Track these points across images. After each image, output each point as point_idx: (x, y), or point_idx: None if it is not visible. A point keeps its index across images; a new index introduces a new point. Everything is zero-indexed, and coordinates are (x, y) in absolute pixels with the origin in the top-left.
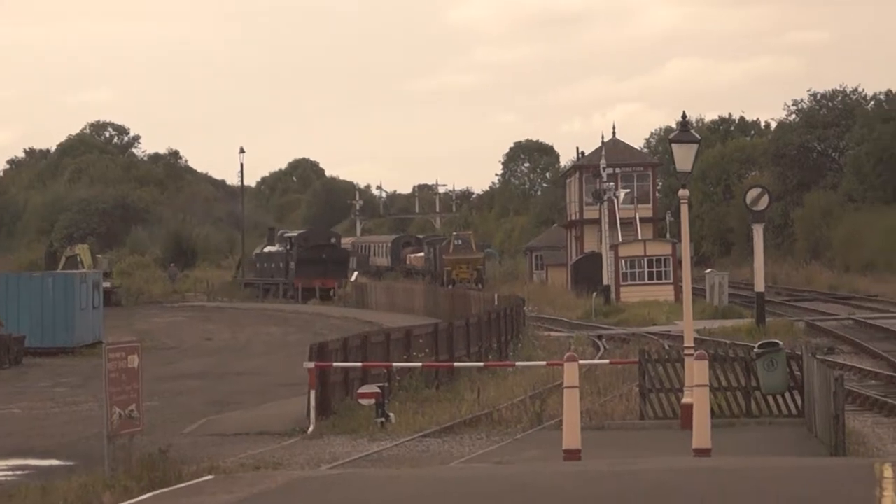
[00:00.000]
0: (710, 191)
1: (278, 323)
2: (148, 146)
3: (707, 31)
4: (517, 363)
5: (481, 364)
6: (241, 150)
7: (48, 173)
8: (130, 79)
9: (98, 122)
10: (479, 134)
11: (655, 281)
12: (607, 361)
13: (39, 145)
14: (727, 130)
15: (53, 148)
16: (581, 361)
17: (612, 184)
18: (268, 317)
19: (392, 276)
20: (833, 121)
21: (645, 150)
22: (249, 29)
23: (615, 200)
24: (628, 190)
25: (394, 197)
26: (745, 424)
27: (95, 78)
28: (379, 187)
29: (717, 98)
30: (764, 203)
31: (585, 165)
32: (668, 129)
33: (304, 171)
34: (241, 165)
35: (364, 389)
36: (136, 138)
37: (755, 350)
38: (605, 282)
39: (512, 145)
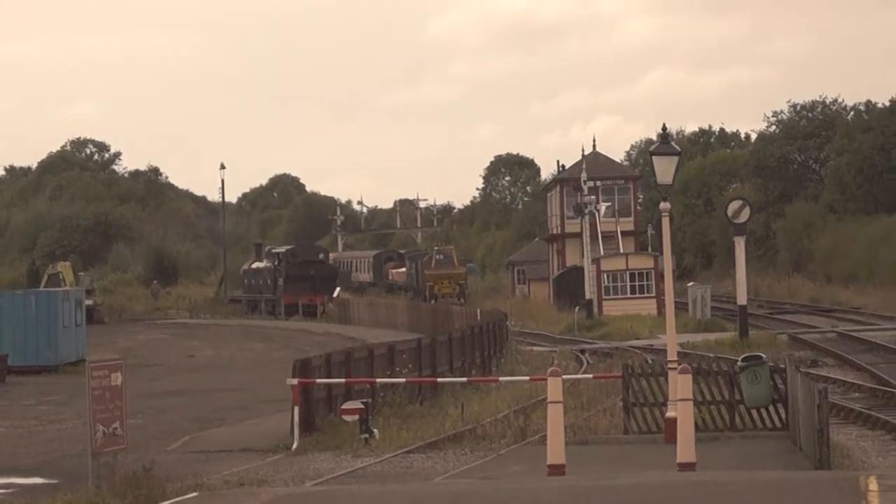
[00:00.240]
0: (692, 203)
1: (261, 339)
2: (129, 163)
3: (685, 43)
4: (501, 378)
5: (465, 379)
6: (222, 167)
7: (29, 191)
8: (111, 96)
9: (79, 138)
10: (459, 148)
11: (638, 295)
12: (591, 376)
13: (20, 163)
14: (707, 142)
15: (34, 165)
16: (565, 376)
17: (593, 197)
18: (251, 333)
19: (374, 292)
20: (813, 132)
21: (625, 162)
22: (230, 45)
23: (596, 214)
24: (609, 203)
25: (375, 212)
26: (729, 438)
27: (75, 95)
28: (360, 202)
29: (696, 110)
30: (745, 215)
31: (566, 179)
32: (649, 142)
33: (284, 187)
34: (222, 182)
35: (348, 405)
36: (117, 155)
37: (739, 363)
38: (587, 296)
39: (492, 159)
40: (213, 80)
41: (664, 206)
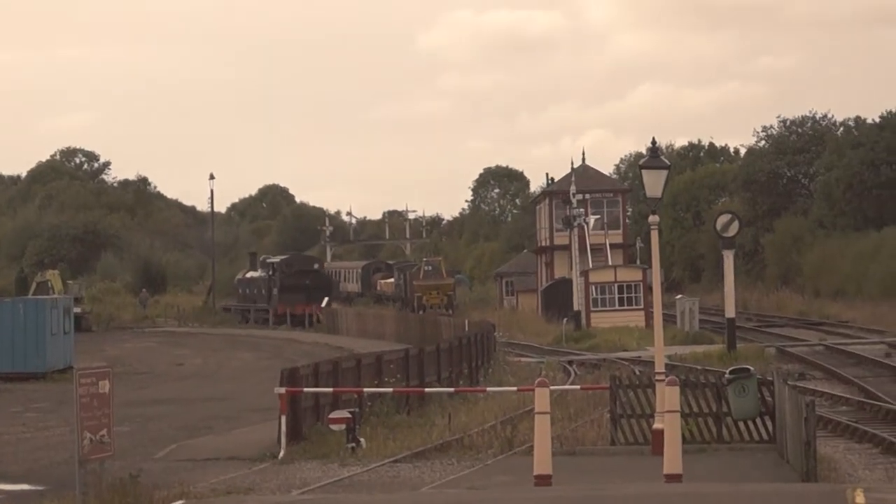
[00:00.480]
0: (681, 217)
1: (249, 348)
2: (118, 172)
3: (675, 57)
4: (488, 388)
5: (452, 389)
6: (211, 177)
7: (18, 200)
8: (100, 106)
9: (68, 148)
10: (448, 160)
11: (626, 307)
12: (578, 387)
13: (9, 171)
14: (697, 156)
15: (24, 174)
16: (552, 387)
17: (582, 210)
18: (239, 342)
19: (363, 303)
20: (803, 147)
21: (615, 176)
22: (219, 56)
23: (585, 226)
24: (598, 216)
25: (364, 223)
26: (716, 450)
27: (65, 105)
28: (349, 213)
29: (686, 124)
30: (734, 229)
31: (555, 191)
32: (638, 155)
33: (274, 198)
34: (212, 192)
35: (335, 414)
36: (107, 164)
37: (726, 376)
38: (575, 307)
39: (482, 171)
40: (203, 91)
41: (653, 219)
